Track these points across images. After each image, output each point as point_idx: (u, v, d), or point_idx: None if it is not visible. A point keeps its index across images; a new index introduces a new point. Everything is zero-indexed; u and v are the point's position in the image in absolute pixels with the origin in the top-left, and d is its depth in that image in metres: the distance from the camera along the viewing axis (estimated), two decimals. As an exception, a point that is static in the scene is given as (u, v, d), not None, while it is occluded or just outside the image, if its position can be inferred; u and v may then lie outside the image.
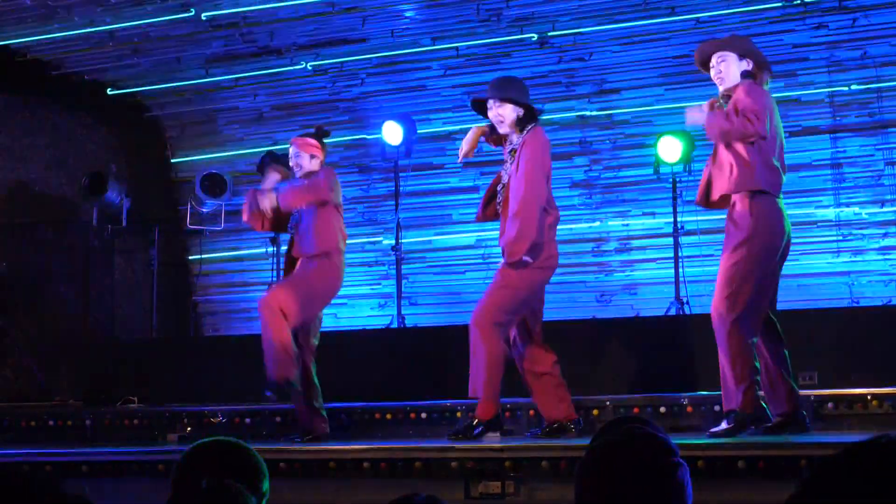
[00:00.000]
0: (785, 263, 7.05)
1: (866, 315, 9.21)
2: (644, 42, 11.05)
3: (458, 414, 8.34)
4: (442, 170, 11.84)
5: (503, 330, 7.36)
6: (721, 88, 7.01)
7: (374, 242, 12.01)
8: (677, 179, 10.55)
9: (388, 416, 8.69)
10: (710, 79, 10.86)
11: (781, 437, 6.65)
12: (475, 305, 7.44)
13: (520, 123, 7.51)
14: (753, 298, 6.70)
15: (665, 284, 10.69)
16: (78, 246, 12.40)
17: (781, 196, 6.92)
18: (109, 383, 10.29)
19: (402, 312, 11.01)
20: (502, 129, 7.55)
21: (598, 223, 11.39)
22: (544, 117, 11.53)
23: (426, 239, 11.68)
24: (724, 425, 6.76)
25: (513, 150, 7.51)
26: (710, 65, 7.04)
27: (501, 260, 7.46)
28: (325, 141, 8.45)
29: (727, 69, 6.94)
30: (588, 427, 7.49)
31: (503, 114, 7.50)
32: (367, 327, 11.40)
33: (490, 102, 7.55)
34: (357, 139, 12.14)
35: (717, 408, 7.86)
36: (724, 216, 7.01)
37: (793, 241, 7.26)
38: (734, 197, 6.86)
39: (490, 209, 7.69)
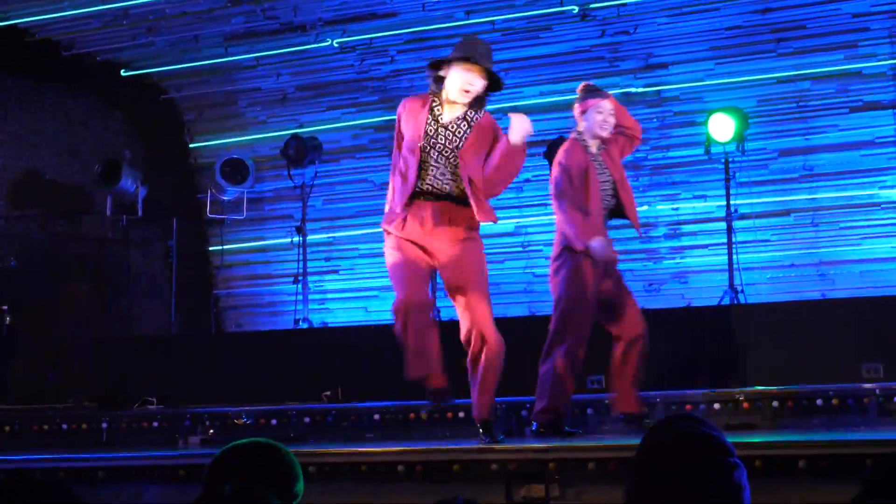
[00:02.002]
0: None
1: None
2: (693, 13, 11.01)
3: (497, 413, 8.32)
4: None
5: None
6: None
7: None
8: (730, 160, 10.50)
9: (424, 416, 8.65)
10: (763, 52, 10.78)
11: (845, 434, 6.62)
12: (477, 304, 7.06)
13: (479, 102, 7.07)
14: None
15: (718, 272, 10.66)
16: (91, 238, 12.48)
17: None
18: (126, 384, 10.32)
19: (437, 305, 10.98)
20: (464, 98, 7.00)
21: (645, 207, 11.34)
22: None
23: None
24: None
25: (464, 121, 7.03)
26: None
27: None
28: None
29: None
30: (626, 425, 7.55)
31: (475, 85, 6.98)
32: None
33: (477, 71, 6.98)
34: (387, 121, 12.13)
35: (774, 403, 7.84)
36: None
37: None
38: None
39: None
